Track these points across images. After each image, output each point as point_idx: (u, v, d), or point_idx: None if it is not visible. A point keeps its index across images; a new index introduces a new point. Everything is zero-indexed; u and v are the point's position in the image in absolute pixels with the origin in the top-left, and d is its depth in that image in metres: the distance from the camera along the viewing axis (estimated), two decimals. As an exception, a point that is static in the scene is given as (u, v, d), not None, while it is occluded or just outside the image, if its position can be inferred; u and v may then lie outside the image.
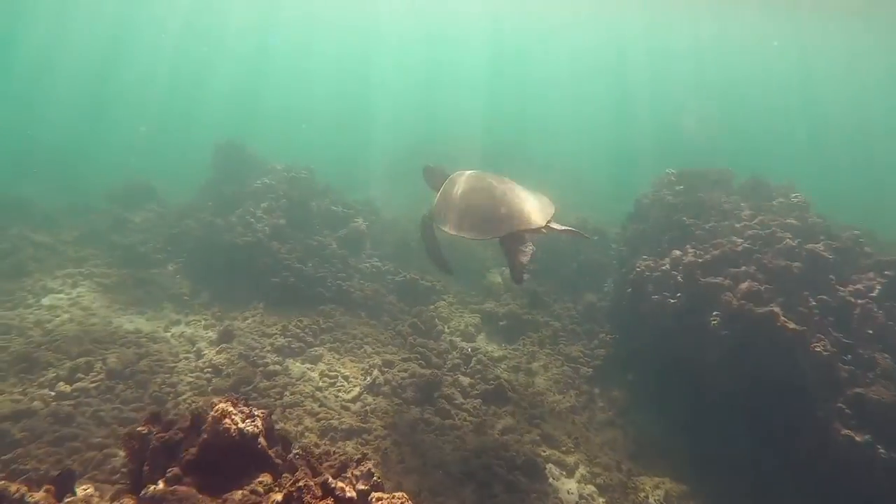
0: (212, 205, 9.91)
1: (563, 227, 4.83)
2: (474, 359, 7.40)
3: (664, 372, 6.94)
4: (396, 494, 2.34)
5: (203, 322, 7.68)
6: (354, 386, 6.49)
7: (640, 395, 7.20)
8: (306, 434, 5.44)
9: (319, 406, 5.91)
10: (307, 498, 2.20)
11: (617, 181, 19.65)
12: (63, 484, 2.50)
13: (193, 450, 2.70)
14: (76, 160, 17.50)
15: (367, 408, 6.09)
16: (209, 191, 10.80)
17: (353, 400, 6.23)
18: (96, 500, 2.53)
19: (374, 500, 2.42)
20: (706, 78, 44.06)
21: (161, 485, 2.54)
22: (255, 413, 2.82)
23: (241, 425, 2.71)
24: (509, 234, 4.72)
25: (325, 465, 3.18)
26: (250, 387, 6.11)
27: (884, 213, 16.77)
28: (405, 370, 6.81)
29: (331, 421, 5.62)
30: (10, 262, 8.46)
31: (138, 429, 2.83)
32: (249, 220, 8.99)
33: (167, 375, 6.22)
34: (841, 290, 6.20)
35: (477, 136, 20.97)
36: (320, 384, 6.43)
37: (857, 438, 5.11)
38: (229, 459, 2.76)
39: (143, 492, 2.44)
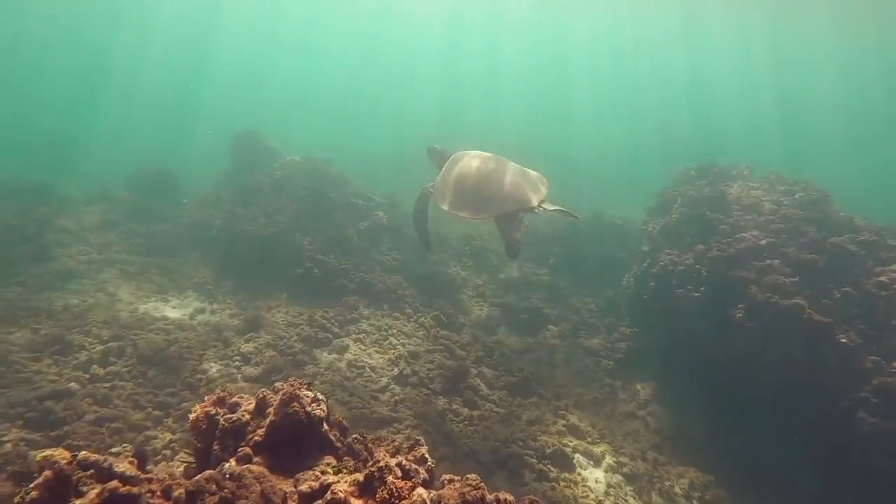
0: (233, 194, 9.95)
1: (555, 207, 5.05)
2: (497, 351, 7.46)
3: (687, 364, 7.01)
4: (469, 477, 2.39)
5: (228, 311, 7.75)
6: (381, 376, 6.56)
7: (662, 388, 7.28)
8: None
9: (350, 395, 5.98)
10: (390, 478, 2.26)
11: (628, 175, 19.68)
12: (141, 461, 2.57)
13: (262, 431, 2.76)
14: (90, 147, 17.53)
15: (396, 398, 6.16)
16: (228, 180, 10.85)
17: (382, 390, 6.30)
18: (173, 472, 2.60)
19: (445, 481, 2.48)
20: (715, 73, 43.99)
21: (233, 463, 2.60)
22: (320, 397, 2.88)
23: (308, 408, 2.77)
24: (503, 214, 5.03)
25: (381, 449, 3.25)
26: (279, 376, 6.16)
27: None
28: (431, 361, 6.88)
29: (362, 410, 5.69)
30: (35, 245, 8.51)
31: (206, 408, 2.89)
32: (271, 210, 9.04)
33: (196, 362, 6.29)
34: (865, 282, 6.25)
35: (497, 130, 20.98)
36: (348, 374, 6.50)
37: (883, 427, 5.20)
38: (294, 441, 2.82)
39: (218, 469, 2.50)
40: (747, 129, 38.97)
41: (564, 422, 6.41)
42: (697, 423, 6.59)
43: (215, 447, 2.78)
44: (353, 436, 3.13)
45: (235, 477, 2.43)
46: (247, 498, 2.31)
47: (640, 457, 6.08)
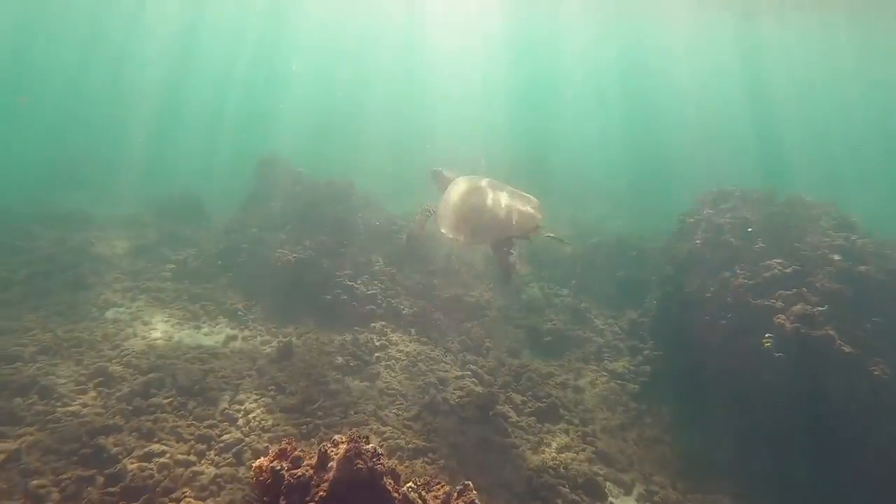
0: (259, 219, 10.17)
1: (548, 234, 5.46)
2: (524, 376, 7.57)
3: (712, 390, 7.06)
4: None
5: (259, 338, 7.93)
6: (413, 404, 6.69)
7: (687, 413, 7.33)
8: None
9: (383, 425, 6.11)
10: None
11: (641, 191, 19.70)
12: None
13: (325, 486, 2.91)
14: (121, 165, 17.93)
15: (429, 427, 6.28)
16: (253, 204, 11.08)
17: (414, 419, 6.42)
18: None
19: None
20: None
21: (302, 520, 2.74)
22: (380, 452, 3.02)
23: (370, 463, 2.91)
24: (496, 241, 5.44)
25: (431, 495, 3.38)
26: (314, 405, 6.33)
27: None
28: (461, 388, 7.01)
29: (397, 440, 5.82)
30: (72, 274, 8.78)
31: (269, 464, 3.04)
32: (297, 235, 9.23)
33: (233, 392, 6.46)
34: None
35: (502, 149, 21.15)
36: (380, 402, 6.64)
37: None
38: (355, 496, 2.96)
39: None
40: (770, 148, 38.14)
41: (594, 448, 6.49)
42: (724, 450, 6.63)
43: (282, 502, 2.92)
44: (408, 485, 3.26)
45: (309, 536, 2.58)
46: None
47: (670, 485, 6.15)
